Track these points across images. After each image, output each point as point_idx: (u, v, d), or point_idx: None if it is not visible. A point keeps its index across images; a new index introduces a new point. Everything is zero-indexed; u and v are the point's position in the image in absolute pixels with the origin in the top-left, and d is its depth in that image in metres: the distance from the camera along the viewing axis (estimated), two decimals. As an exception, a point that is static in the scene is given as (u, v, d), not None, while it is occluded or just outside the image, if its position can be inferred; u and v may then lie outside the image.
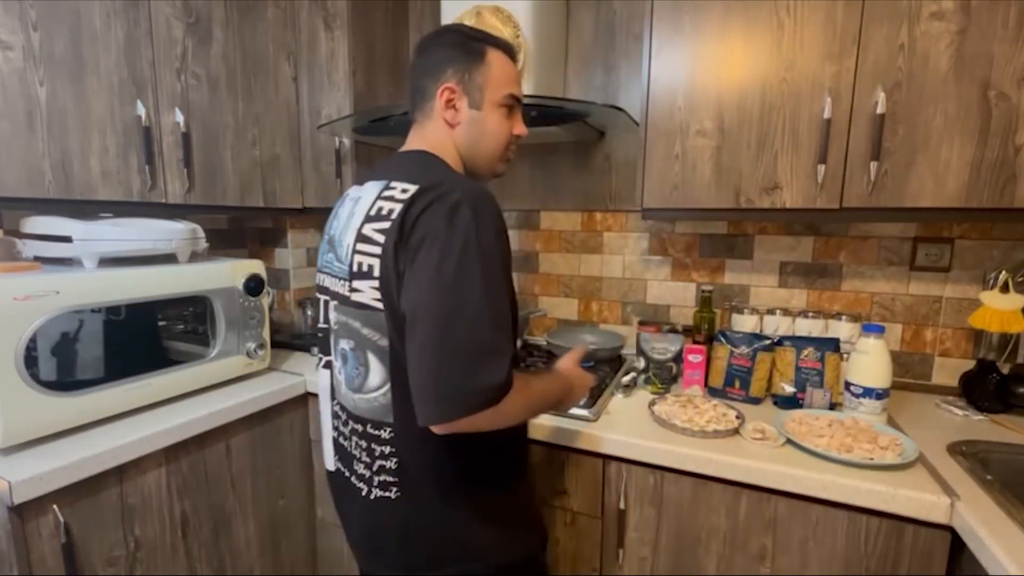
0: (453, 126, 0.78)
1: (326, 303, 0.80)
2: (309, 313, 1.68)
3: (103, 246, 1.06)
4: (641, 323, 1.46)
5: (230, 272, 1.25)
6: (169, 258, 1.18)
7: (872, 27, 1.00)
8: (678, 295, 1.53)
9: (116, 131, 1.13)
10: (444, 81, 0.77)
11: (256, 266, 1.31)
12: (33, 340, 0.91)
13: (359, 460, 0.75)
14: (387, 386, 0.70)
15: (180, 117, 1.23)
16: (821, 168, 1.05)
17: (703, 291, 1.40)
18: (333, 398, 0.81)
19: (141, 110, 1.16)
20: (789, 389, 1.17)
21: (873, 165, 1.01)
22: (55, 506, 0.88)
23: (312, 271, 1.84)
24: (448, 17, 1.36)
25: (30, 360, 0.91)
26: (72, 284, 0.97)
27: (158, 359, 1.14)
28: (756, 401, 1.19)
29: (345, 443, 0.79)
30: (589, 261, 1.63)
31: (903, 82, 0.98)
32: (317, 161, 1.58)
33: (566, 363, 0.87)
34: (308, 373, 1.38)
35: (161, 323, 1.15)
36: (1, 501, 0.83)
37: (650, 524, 1.03)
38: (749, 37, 1.09)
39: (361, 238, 0.70)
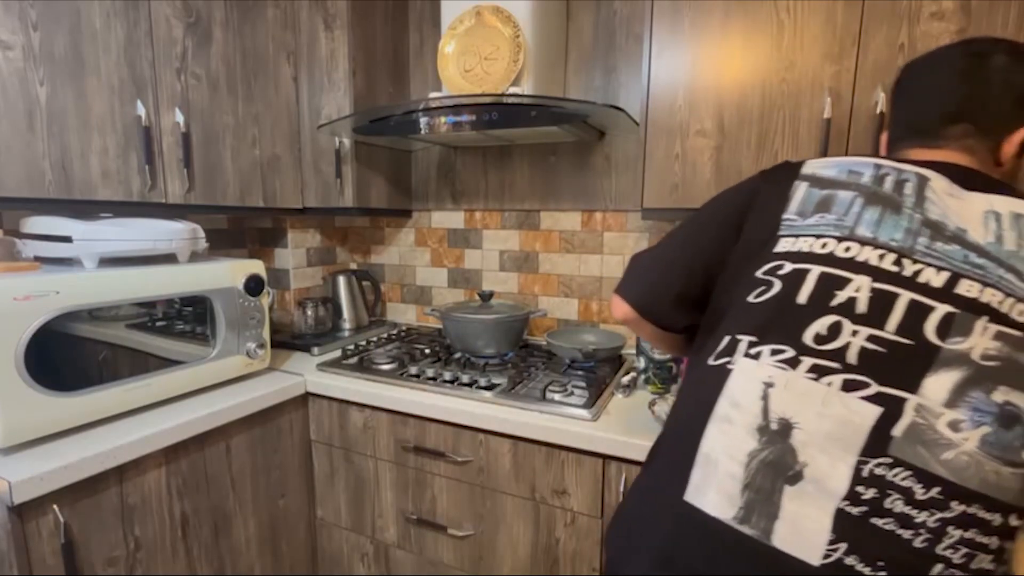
0: (1000, 164, 0.70)
1: (886, 295, 0.58)
2: (309, 313, 1.67)
3: (103, 246, 1.06)
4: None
5: (230, 272, 1.25)
6: (169, 258, 1.18)
7: (872, 27, 1.00)
8: (678, 295, 1.52)
9: (116, 131, 1.13)
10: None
11: (256, 266, 1.31)
12: (33, 340, 0.91)
13: (953, 564, 0.50)
14: None
15: (180, 117, 1.23)
16: (821, 168, 1.05)
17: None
18: (871, 455, 0.52)
19: (141, 110, 1.16)
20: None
21: (873, 165, 1.01)
22: (55, 506, 0.88)
23: (312, 271, 1.84)
24: (448, 17, 1.36)
25: (30, 360, 0.91)
26: (72, 284, 0.97)
27: (158, 359, 1.14)
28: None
29: (912, 537, 0.51)
30: (589, 261, 1.63)
31: (903, 82, 0.98)
32: (317, 161, 1.58)
33: None
34: (308, 373, 1.38)
35: (161, 323, 1.15)
36: (1, 501, 0.83)
37: (650, 524, 1.03)
38: (749, 37, 1.09)
39: None
